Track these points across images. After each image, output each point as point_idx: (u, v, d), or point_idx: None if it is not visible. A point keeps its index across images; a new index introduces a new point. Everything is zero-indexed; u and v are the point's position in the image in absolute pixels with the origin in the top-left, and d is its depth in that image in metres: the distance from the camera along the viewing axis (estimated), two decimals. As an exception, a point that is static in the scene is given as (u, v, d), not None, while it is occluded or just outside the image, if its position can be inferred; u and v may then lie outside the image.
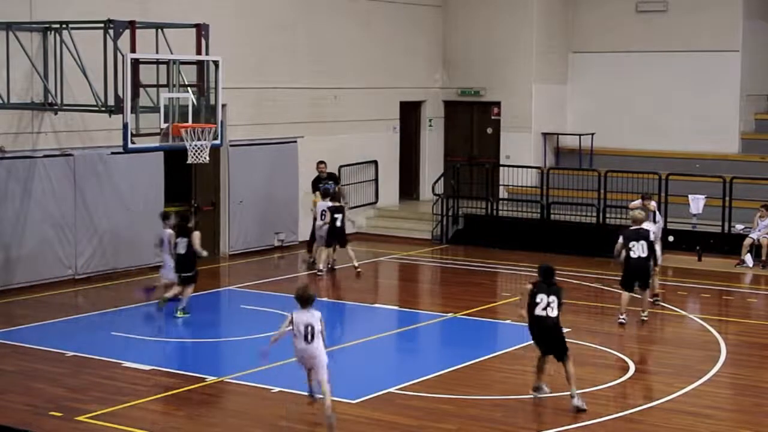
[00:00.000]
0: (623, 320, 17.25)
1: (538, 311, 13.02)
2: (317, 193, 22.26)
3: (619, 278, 17.66)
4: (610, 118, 28.19)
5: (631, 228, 17.53)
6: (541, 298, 13.02)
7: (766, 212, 22.56)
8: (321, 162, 23.42)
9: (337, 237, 21.47)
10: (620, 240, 17.42)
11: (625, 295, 17.36)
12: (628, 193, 23.86)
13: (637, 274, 17.35)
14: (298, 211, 24.31)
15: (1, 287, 19.17)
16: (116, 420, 12.43)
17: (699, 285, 20.98)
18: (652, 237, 17.60)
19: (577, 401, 12.83)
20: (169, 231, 17.70)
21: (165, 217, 18.21)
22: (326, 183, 22.69)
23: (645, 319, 17.54)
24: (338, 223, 21.34)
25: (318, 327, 12.08)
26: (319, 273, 21.26)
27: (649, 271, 17.52)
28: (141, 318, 17.51)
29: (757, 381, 14.61)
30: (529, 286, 13.26)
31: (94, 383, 13.93)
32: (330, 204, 21.37)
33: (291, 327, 12.17)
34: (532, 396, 13.30)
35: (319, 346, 12.10)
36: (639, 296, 17.63)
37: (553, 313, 12.98)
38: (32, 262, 19.65)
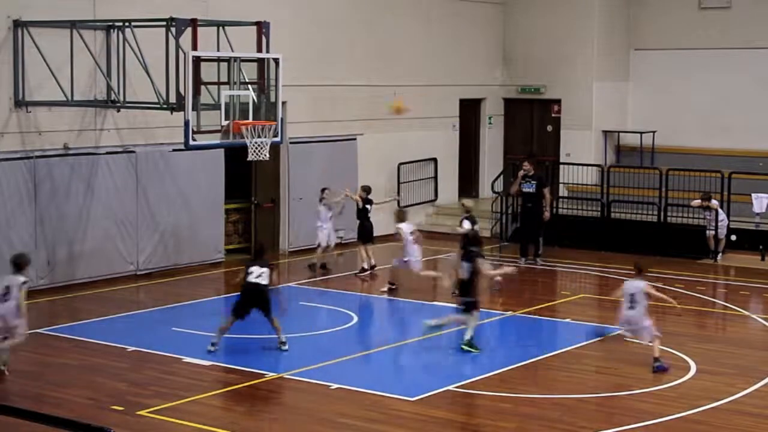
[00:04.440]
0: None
1: (251, 279, 15.11)
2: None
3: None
4: (671, 116, 27.88)
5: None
6: (252, 270, 15.10)
7: None
8: (525, 160, 23.04)
9: (365, 233, 21.45)
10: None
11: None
12: (689, 191, 23.68)
13: None
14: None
15: (65, 282, 19.43)
16: (176, 415, 12.53)
17: (762, 285, 20.71)
18: None
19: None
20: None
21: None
22: (529, 182, 22.53)
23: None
24: (369, 215, 21.40)
25: (15, 292, 13.90)
26: (365, 270, 21.34)
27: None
28: (201, 314, 17.63)
29: (821, 383, 14.40)
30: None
31: (155, 378, 14.06)
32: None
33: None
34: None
35: (10, 306, 13.88)
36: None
37: (264, 281, 15.15)
38: (95, 258, 19.88)
